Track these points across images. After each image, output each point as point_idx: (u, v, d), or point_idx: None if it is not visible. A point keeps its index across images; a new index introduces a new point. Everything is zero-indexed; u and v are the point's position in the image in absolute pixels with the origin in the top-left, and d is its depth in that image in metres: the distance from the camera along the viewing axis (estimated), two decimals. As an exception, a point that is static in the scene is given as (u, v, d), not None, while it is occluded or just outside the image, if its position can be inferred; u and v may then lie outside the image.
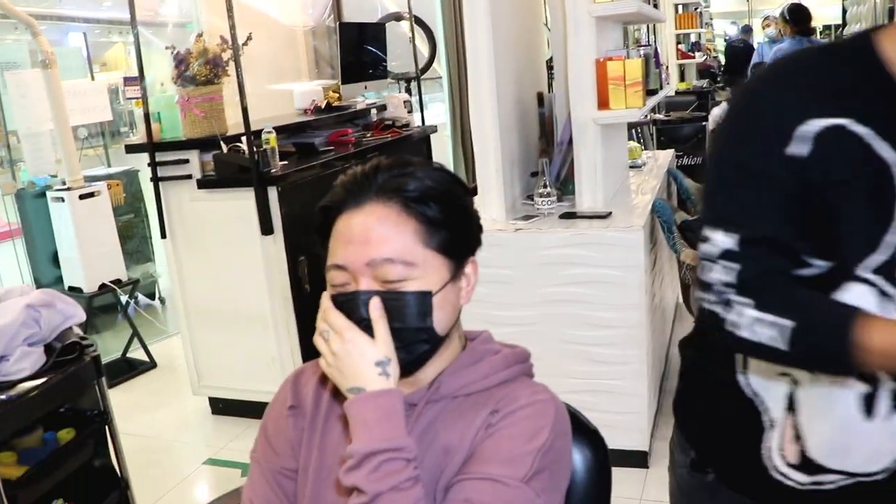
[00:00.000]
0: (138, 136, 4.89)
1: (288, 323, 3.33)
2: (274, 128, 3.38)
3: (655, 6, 3.38)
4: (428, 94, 7.00)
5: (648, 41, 6.97)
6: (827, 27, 10.09)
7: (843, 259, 0.96)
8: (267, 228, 3.20)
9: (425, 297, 1.01)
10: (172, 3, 4.75)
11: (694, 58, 8.93)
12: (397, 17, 5.53)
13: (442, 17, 6.21)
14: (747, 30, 10.47)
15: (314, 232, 1.09)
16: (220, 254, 3.40)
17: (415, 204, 1.01)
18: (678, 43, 8.75)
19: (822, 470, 1.07)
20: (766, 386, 1.10)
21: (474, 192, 2.84)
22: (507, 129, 2.85)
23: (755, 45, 9.91)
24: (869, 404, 1.02)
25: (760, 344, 0.95)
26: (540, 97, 3.09)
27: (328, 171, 3.62)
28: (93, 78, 5.82)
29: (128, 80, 5.42)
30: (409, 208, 1.01)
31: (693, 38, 9.26)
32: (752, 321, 0.95)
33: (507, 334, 2.54)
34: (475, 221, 1.11)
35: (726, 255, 0.98)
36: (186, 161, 3.38)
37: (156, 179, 3.42)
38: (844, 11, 8.82)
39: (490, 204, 2.83)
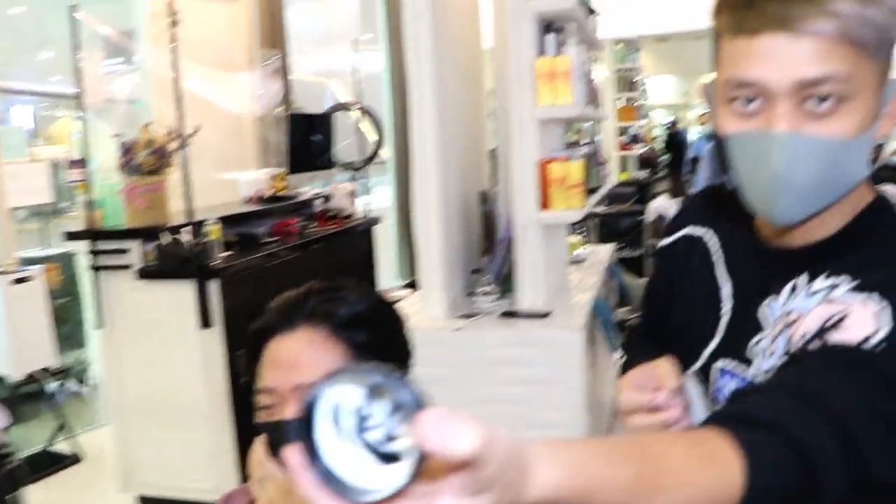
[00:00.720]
0: (79, 216, 4.82)
1: (225, 418, 3.26)
2: (218, 218, 3.37)
3: (596, 106, 3.49)
4: (375, 178, 7.09)
5: (591, 135, 7.18)
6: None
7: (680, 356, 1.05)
8: (206, 321, 3.17)
9: None
10: (123, 82, 4.77)
11: (633, 149, 9.21)
12: (345, 107, 5.61)
13: (392, 105, 6.34)
14: (677, 122, 10.89)
15: (245, 354, 1.09)
16: (158, 345, 3.33)
17: (343, 330, 1.02)
18: (619, 134, 9.04)
19: None
20: None
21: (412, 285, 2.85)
22: (451, 226, 2.89)
23: (691, 138, 10.30)
24: None
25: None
26: (483, 195, 3.14)
27: (271, 263, 3.61)
28: (34, 157, 5.76)
29: (72, 163, 5.37)
30: (338, 334, 1.02)
31: (633, 131, 9.58)
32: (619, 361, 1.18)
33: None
34: (406, 347, 1.13)
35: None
36: (127, 250, 3.34)
37: (94, 268, 3.37)
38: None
39: (432, 301, 2.84)
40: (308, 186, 4.78)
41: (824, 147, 0.81)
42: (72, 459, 4.18)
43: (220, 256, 3.31)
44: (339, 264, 4.38)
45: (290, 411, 0.99)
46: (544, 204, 2.83)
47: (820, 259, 0.89)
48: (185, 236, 3.22)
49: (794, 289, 0.90)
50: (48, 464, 4.12)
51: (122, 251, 3.33)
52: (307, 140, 4.67)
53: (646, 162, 9.72)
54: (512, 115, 2.80)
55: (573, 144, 3.60)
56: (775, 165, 0.82)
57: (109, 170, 3.58)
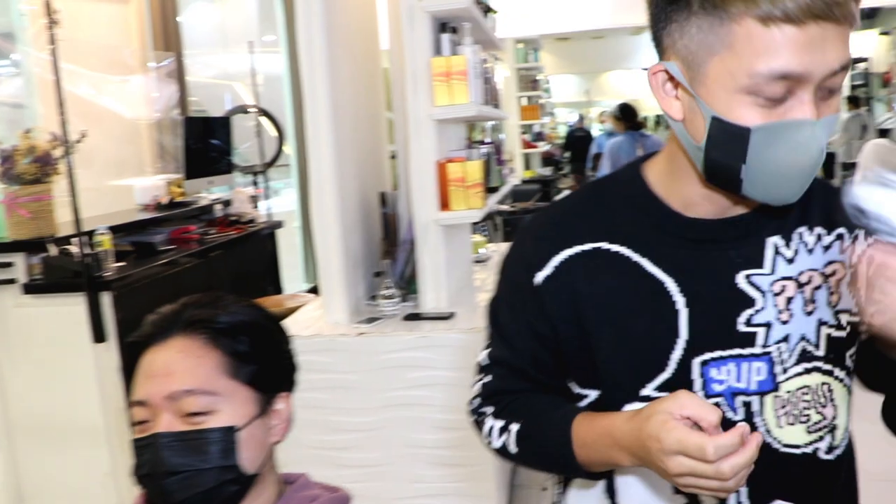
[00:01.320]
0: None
1: (123, 436, 3.13)
2: (111, 227, 3.24)
3: (496, 105, 3.50)
4: (282, 180, 6.98)
5: (493, 135, 7.23)
6: (659, 115, 10.89)
7: (621, 384, 0.98)
8: (99, 336, 3.04)
9: (229, 433, 0.97)
10: (6, 86, 4.55)
11: (537, 147, 9.33)
12: (244, 110, 5.50)
13: (292, 107, 6.25)
14: (581, 119, 11.09)
15: (120, 371, 1.06)
16: (49, 363, 3.18)
17: (222, 336, 1.00)
18: (523, 133, 9.14)
19: None
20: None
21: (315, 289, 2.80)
22: (350, 229, 2.85)
23: (594, 134, 10.49)
24: None
25: (501, 448, 1.03)
26: (383, 197, 3.11)
27: (169, 271, 3.50)
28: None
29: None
30: (216, 340, 1.00)
31: (536, 129, 9.69)
32: (495, 432, 1.04)
33: (351, 440, 2.49)
34: (288, 358, 1.10)
35: (481, 368, 1.09)
36: (10, 264, 3.17)
37: (-24, 284, 3.20)
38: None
39: (333, 306, 2.80)
40: (207, 192, 4.66)
41: (833, 126, 0.84)
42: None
43: (113, 267, 3.18)
44: (241, 270, 4.28)
45: (162, 424, 0.95)
46: (444, 204, 2.83)
47: (775, 219, 0.95)
48: (74, 248, 3.08)
49: (776, 252, 0.95)
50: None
51: (5, 265, 3.17)
52: (205, 144, 4.55)
53: (549, 160, 9.86)
54: (409, 116, 2.78)
55: (476, 144, 3.60)
56: (814, 151, 0.82)
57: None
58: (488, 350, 1.08)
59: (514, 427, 1.02)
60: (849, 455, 1.03)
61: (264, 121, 5.47)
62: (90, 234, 3.13)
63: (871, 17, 8.09)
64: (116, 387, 3.10)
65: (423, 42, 2.72)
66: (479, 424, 1.10)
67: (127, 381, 1.04)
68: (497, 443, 1.04)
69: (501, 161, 3.82)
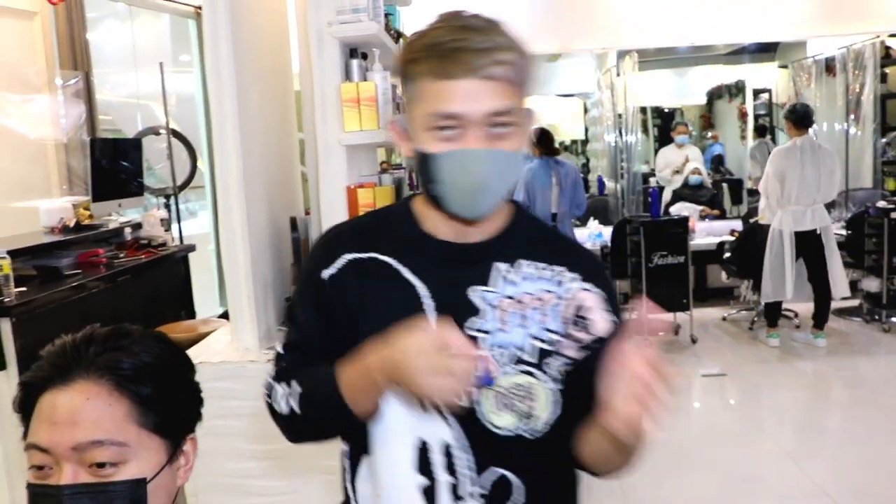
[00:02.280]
0: None
1: (23, 472, 3.02)
2: (12, 250, 3.17)
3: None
4: (198, 202, 6.86)
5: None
6: (574, 141, 11.13)
7: None
8: (-2, 363, 2.95)
9: (138, 487, 0.94)
10: None
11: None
12: (154, 132, 5.41)
13: (206, 128, 6.17)
14: None
15: (15, 409, 0.99)
16: (-57, 391, 3.06)
17: (129, 382, 0.95)
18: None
19: None
20: (361, 491, 1.26)
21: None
22: (260, 253, 2.83)
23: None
24: (430, 497, 1.18)
25: (285, 414, 1.16)
26: (293, 222, 3.11)
27: (75, 296, 3.41)
28: None
29: None
30: (122, 386, 0.95)
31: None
32: (281, 396, 1.17)
33: (259, 468, 2.46)
34: (195, 396, 1.07)
35: (276, 357, 1.24)
36: None
37: None
38: (586, 129, 9.83)
39: (243, 332, 2.77)
40: (119, 214, 4.57)
41: (506, 157, 1.10)
42: None
43: (14, 292, 3.09)
44: (152, 295, 4.20)
45: (66, 474, 0.91)
46: (355, 229, 2.83)
47: (502, 250, 1.20)
48: (-28, 272, 2.99)
49: (499, 274, 1.18)
50: None
51: None
52: (115, 165, 4.46)
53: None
54: (319, 141, 2.79)
55: (393, 168, 3.63)
56: (478, 173, 1.08)
57: None
58: (283, 341, 1.25)
59: (296, 386, 1.16)
60: (556, 439, 1.19)
61: (175, 142, 5.39)
62: (-11, 258, 3.04)
63: (771, 51, 8.49)
64: (16, 421, 3.00)
65: (332, 67, 2.74)
66: (270, 405, 1.21)
67: (23, 420, 0.98)
68: (284, 408, 1.16)
69: (413, 186, 3.85)
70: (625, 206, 7.51)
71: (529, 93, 1.13)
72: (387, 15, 3.10)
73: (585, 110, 10.12)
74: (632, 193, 7.55)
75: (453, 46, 1.05)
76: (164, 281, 4.41)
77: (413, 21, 4.12)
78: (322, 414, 1.15)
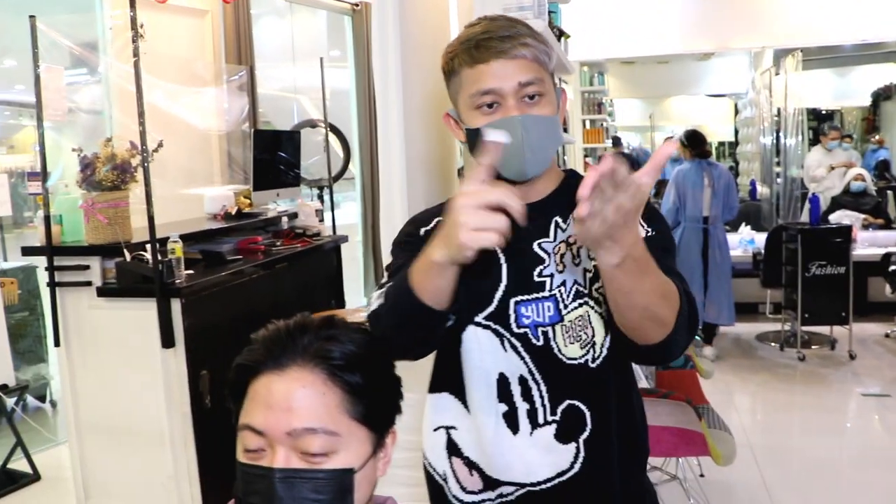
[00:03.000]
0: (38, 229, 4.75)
1: (186, 441, 3.19)
2: (181, 235, 3.32)
3: (565, 129, 3.49)
4: (343, 193, 7.05)
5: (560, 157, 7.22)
6: (722, 143, 10.77)
7: (462, 311, 1.32)
8: (168, 341, 3.11)
9: (346, 476, 0.96)
10: (86, 93, 4.69)
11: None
12: (312, 124, 5.59)
13: (357, 122, 6.32)
14: (617, 141, 10.91)
15: (226, 388, 1.03)
16: (118, 364, 3.27)
17: (340, 372, 0.97)
18: (586, 156, 9.09)
19: (500, 483, 1.39)
20: (430, 448, 1.47)
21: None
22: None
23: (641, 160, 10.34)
24: (511, 422, 1.36)
25: (374, 310, 1.26)
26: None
27: (236, 281, 3.56)
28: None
29: (31, 175, 5.28)
30: (335, 376, 0.97)
31: (599, 152, 9.62)
32: (375, 298, 1.29)
33: (408, 458, 2.46)
34: (397, 389, 1.09)
35: (379, 287, 1.34)
36: (87, 267, 3.27)
37: (53, 285, 3.30)
38: (736, 131, 9.47)
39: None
40: (274, 203, 4.74)
41: (540, 120, 1.29)
42: (31, 478, 4.08)
43: (183, 275, 3.25)
44: (306, 283, 4.34)
45: (279, 458, 0.94)
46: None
47: (557, 206, 1.37)
48: (148, 254, 3.17)
49: (556, 226, 1.37)
50: (5, 483, 4.03)
51: (83, 268, 3.27)
52: (273, 156, 4.63)
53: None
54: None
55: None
56: (518, 136, 1.27)
57: (70, 184, 3.51)
58: (389, 273, 1.39)
59: (387, 286, 1.28)
60: (610, 365, 1.35)
61: (331, 136, 5.54)
62: (163, 241, 3.21)
63: None
64: (183, 392, 3.17)
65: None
66: (368, 315, 1.30)
67: (234, 400, 1.02)
68: (374, 305, 1.27)
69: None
70: (779, 212, 7.18)
71: (550, 69, 1.35)
72: (550, 12, 3.07)
73: (736, 111, 9.73)
74: (787, 199, 7.21)
75: (483, 38, 1.29)
76: (316, 270, 4.55)
77: (571, 18, 4.07)
78: (396, 302, 1.23)
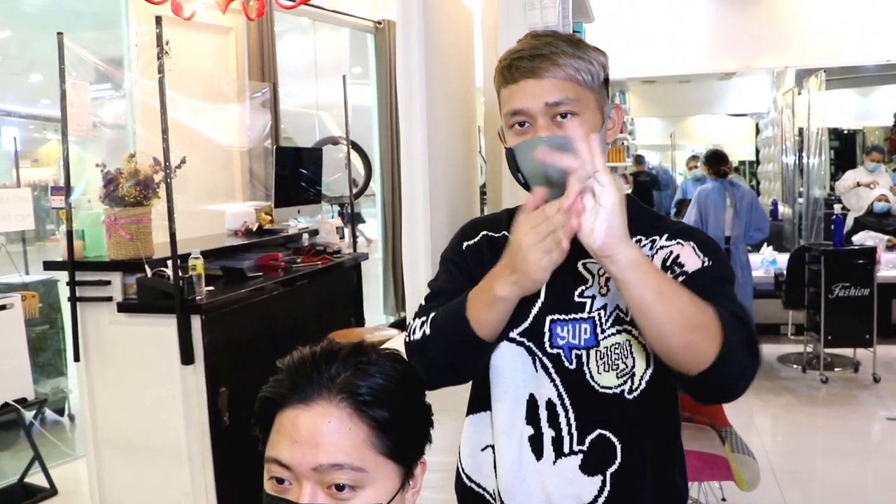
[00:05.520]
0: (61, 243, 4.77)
1: (204, 458, 3.18)
2: (202, 251, 3.32)
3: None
4: (363, 209, 7.06)
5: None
6: (742, 162, 10.71)
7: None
8: (188, 357, 3.11)
9: None
10: (110, 108, 4.73)
11: (621, 189, 9.21)
12: (334, 142, 5.60)
13: (379, 139, 6.34)
14: (640, 160, 10.87)
15: (252, 418, 1.02)
16: (137, 380, 3.27)
17: (366, 408, 0.96)
18: (606, 174, 9.03)
19: None
20: (476, 468, 1.43)
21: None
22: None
23: (675, 179, 10.29)
24: (536, 447, 1.32)
25: (417, 340, 1.25)
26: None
27: (257, 298, 3.56)
28: (19, 182, 5.70)
29: (54, 190, 5.32)
30: (361, 412, 0.95)
31: (620, 171, 9.59)
32: (417, 327, 1.28)
33: (437, 479, 2.42)
34: (427, 419, 1.06)
35: (423, 306, 1.34)
36: (108, 282, 3.28)
37: (73, 299, 3.31)
38: (757, 151, 9.43)
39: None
40: (294, 220, 4.74)
41: (564, 140, 1.15)
42: (47, 492, 4.08)
43: (204, 291, 3.25)
44: (325, 301, 4.33)
45: (305, 493, 0.93)
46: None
47: None
48: (168, 270, 3.17)
49: None
50: (21, 497, 4.02)
51: (104, 283, 3.28)
52: (295, 173, 4.64)
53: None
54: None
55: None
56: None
57: (93, 199, 3.52)
58: (430, 292, 1.38)
59: (431, 315, 1.27)
60: (651, 399, 1.31)
61: (353, 152, 5.55)
62: (185, 257, 3.22)
63: None
64: (202, 409, 3.16)
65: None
66: (407, 342, 1.30)
67: (261, 430, 1.01)
68: (418, 334, 1.27)
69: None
70: (801, 233, 7.11)
71: (595, 87, 1.29)
72: (575, 31, 3.07)
73: (757, 130, 9.68)
74: (809, 219, 7.14)
75: (515, 57, 1.29)
76: (337, 287, 4.54)
77: (595, 37, 4.06)
78: (446, 332, 1.23)
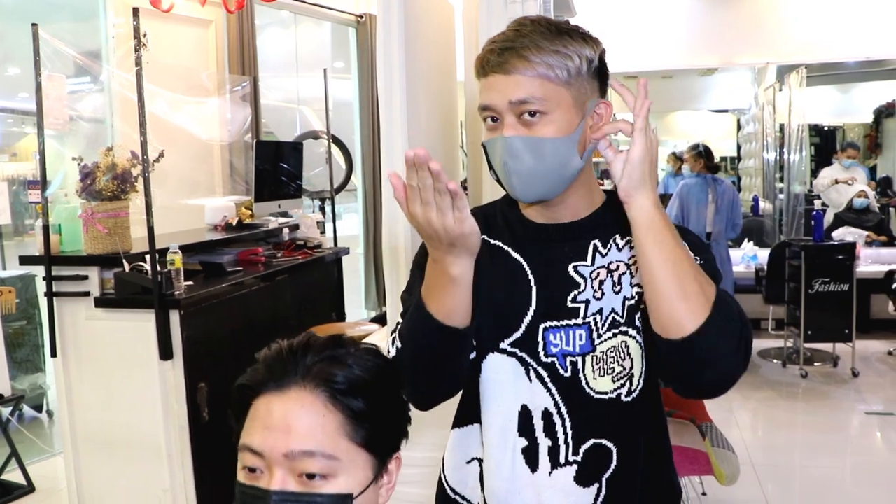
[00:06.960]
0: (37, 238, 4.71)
1: (183, 453, 3.15)
2: (181, 246, 3.29)
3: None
4: (343, 205, 7.03)
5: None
6: (724, 158, 10.78)
7: (486, 338, 1.29)
8: (166, 353, 3.08)
9: (344, 501, 0.93)
10: (88, 102, 4.67)
11: (602, 185, 9.26)
12: (314, 136, 5.57)
13: (360, 134, 6.31)
14: None
15: (228, 408, 1.00)
16: (115, 375, 3.23)
17: (341, 396, 0.95)
18: (588, 169, 9.07)
19: None
20: (462, 480, 1.39)
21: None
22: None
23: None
24: (531, 458, 1.29)
25: (396, 357, 1.24)
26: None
27: (236, 293, 3.53)
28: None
29: (31, 184, 5.26)
30: (336, 400, 0.94)
31: (603, 166, 9.62)
32: (391, 345, 1.27)
33: (414, 475, 2.42)
34: (404, 414, 1.05)
35: (395, 326, 1.31)
36: (85, 277, 3.25)
37: (50, 295, 3.27)
38: (739, 147, 9.50)
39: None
40: (275, 215, 4.71)
41: (536, 142, 1.18)
42: (24, 490, 4.03)
43: (183, 286, 3.22)
44: (306, 295, 4.31)
45: (276, 480, 0.92)
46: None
47: (597, 229, 1.29)
48: (147, 265, 3.14)
49: (595, 250, 1.29)
50: (-1, 495, 3.99)
51: (81, 278, 3.24)
52: (275, 167, 4.61)
53: (614, 196, 9.74)
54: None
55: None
56: (504, 157, 1.19)
57: (70, 193, 3.48)
58: (403, 308, 1.33)
59: (398, 329, 1.27)
60: (645, 397, 1.31)
61: (334, 147, 5.53)
62: (163, 251, 3.18)
63: None
64: (181, 404, 3.13)
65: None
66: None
67: (236, 419, 1.00)
68: (393, 351, 1.25)
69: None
70: (782, 228, 7.16)
71: (573, 83, 1.20)
72: (556, 24, 3.06)
73: (739, 127, 9.74)
74: (790, 214, 7.18)
75: (488, 49, 1.22)
76: (317, 282, 4.52)
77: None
78: (414, 334, 1.23)
